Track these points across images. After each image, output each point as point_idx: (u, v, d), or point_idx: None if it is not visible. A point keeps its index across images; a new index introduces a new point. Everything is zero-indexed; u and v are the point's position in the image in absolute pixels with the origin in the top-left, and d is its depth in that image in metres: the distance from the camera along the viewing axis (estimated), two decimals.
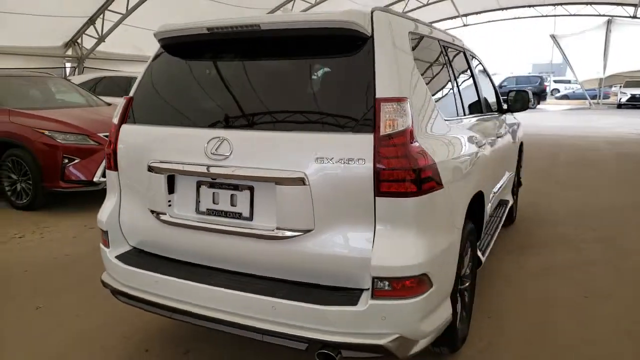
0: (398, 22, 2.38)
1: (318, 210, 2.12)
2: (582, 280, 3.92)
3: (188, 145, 2.36)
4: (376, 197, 2.03)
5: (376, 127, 2.03)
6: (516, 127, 5.07)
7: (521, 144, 5.53)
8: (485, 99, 4.00)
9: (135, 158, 2.53)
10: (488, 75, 4.49)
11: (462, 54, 3.60)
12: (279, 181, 2.15)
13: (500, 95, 4.58)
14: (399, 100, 2.07)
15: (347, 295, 2.11)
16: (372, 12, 2.24)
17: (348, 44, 2.20)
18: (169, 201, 2.45)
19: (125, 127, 2.61)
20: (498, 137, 3.85)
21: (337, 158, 2.06)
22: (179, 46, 2.59)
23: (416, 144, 2.08)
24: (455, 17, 24.87)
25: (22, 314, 3.38)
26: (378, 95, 2.07)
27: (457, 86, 3.11)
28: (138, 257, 2.60)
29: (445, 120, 2.58)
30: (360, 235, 2.08)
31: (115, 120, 2.64)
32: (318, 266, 2.18)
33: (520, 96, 4.49)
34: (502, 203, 4.74)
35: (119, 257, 2.60)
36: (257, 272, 2.33)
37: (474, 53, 4.17)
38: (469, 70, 3.64)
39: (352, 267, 2.09)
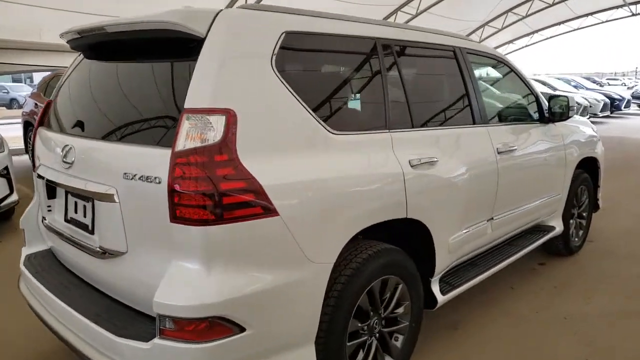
0: (260, 21, 2.06)
1: (130, 231, 1.94)
2: (600, 337, 3.06)
3: (54, 151, 2.34)
4: (172, 223, 1.78)
5: (174, 141, 1.78)
6: (577, 140, 4.16)
7: (594, 161, 4.54)
8: (489, 107, 3.34)
9: (38, 161, 2.60)
10: (522, 79, 3.73)
11: (450, 54, 3.03)
12: (96, 196, 2.01)
13: (541, 103, 3.78)
14: (209, 111, 1.79)
15: (151, 328, 1.89)
16: (218, 12, 1.97)
17: (180, 48, 1.96)
18: (49, 206, 2.46)
19: (39, 130, 2.69)
20: (504, 153, 3.18)
21: (140, 175, 1.86)
22: (75, 49, 2.59)
23: (228, 164, 1.77)
24: (620, 7, 21.55)
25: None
26: (186, 105, 1.81)
27: (405, 93, 2.61)
28: (40, 259, 2.66)
29: (336, 134, 2.17)
30: (163, 265, 1.85)
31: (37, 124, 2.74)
32: (134, 292, 2.00)
33: (557, 102, 3.68)
34: (537, 229, 3.97)
35: (28, 256, 2.70)
36: (102, 289, 2.23)
37: (493, 54, 3.50)
38: (457, 75, 3.05)
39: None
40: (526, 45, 25.85)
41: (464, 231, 2.91)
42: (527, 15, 21.03)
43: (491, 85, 3.77)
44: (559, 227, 4.08)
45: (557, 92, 15.27)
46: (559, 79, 21.23)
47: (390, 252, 2.41)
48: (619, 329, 3.19)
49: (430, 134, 2.71)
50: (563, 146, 3.93)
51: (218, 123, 1.78)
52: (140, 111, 2.06)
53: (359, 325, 2.34)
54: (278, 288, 1.91)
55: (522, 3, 20.27)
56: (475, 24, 20.18)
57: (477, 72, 3.33)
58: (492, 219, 3.19)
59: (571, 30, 24.69)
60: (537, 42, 25.73)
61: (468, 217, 2.93)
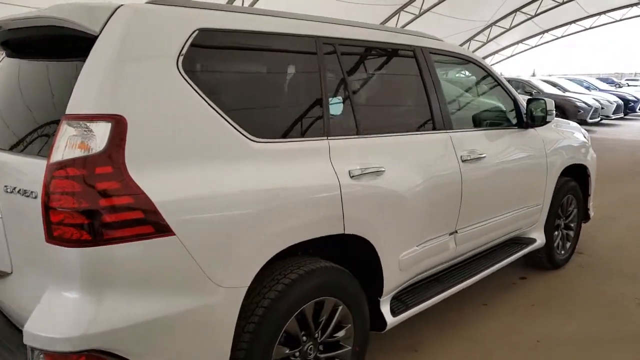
0: (167, 18, 1.84)
1: (14, 251, 1.75)
2: None
3: None
4: (48, 244, 1.58)
5: (51, 151, 1.58)
6: (562, 146, 3.89)
7: (584, 169, 4.27)
8: (458, 112, 3.10)
9: None
10: (497, 81, 3.47)
11: (408, 53, 2.80)
12: None
13: (520, 106, 3.52)
14: (92, 118, 1.59)
15: None
16: (118, 6, 1.76)
17: (74, 47, 1.77)
18: None
19: None
20: (470, 162, 2.93)
21: (18, 188, 1.67)
22: None
23: (112, 177, 1.57)
24: (633, 5, 20.98)
25: None
26: (68, 110, 1.61)
27: (349, 96, 2.39)
28: None
29: (259, 142, 1.96)
30: (43, 290, 1.65)
31: None
32: (21, 317, 1.80)
33: (535, 106, 3.43)
34: (516, 242, 3.72)
35: None
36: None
37: (463, 55, 3.24)
38: (416, 77, 2.81)
39: None
40: (536, 45, 25.33)
41: (419, 247, 2.67)
42: (536, 15, 20.58)
43: (461, 88, 3.53)
44: (539, 239, 3.82)
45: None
46: (570, 80, 20.73)
47: (326, 272, 2.19)
48: (598, 356, 2.92)
49: (378, 141, 2.47)
50: (544, 153, 3.66)
51: (102, 131, 1.58)
52: (29, 117, 1.88)
53: (288, 351, 2.12)
54: (175, 316, 1.70)
55: (531, 2, 19.85)
56: (481, 24, 19.79)
57: (445, 74, 3.10)
58: (456, 232, 2.95)
59: (583, 30, 24.16)
60: (548, 42, 25.24)
61: (424, 232, 2.69)
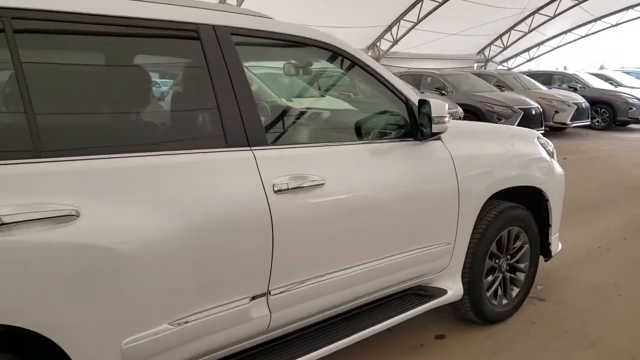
0: None
1: None
2: None
3: None
4: None
5: None
6: (490, 164, 2.88)
7: (538, 192, 3.22)
8: (292, 118, 2.18)
9: None
10: (373, 74, 2.49)
11: (186, 34, 1.92)
12: None
13: (413, 109, 2.54)
14: None
15: None
16: None
17: None
18: None
19: None
20: (292, 192, 2.03)
21: None
22: None
23: None
24: None
25: None
26: None
27: (20, 96, 1.55)
28: None
29: None
30: None
31: None
32: None
33: (422, 110, 2.45)
34: (417, 293, 2.77)
35: None
36: None
37: (302, 36, 2.29)
38: (199, 71, 1.93)
39: None
40: (586, 35, 23.00)
41: (175, 324, 1.79)
42: (584, 0, 18.50)
43: (308, 85, 2.57)
44: (453, 290, 2.81)
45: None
46: (627, 73, 18.70)
47: None
48: None
49: (77, 167, 1.61)
50: (454, 173, 2.65)
51: None
52: None
53: None
54: None
55: None
56: (516, 12, 18.01)
57: (269, 66, 2.18)
58: (268, 294, 2.04)
59: None
60: (600, 31, 22.84)
61: (184, 301, 1.80)
